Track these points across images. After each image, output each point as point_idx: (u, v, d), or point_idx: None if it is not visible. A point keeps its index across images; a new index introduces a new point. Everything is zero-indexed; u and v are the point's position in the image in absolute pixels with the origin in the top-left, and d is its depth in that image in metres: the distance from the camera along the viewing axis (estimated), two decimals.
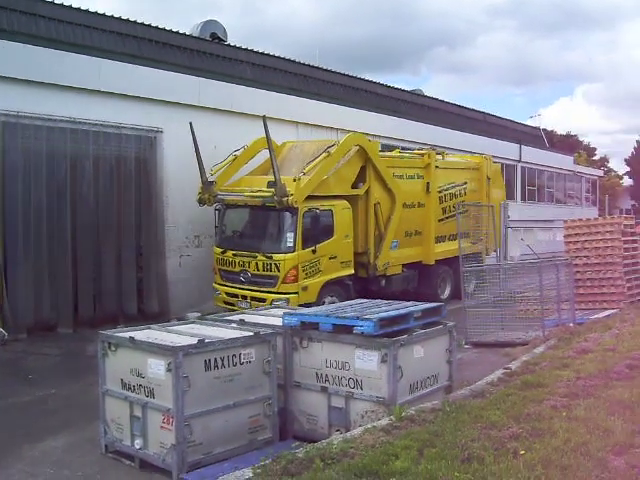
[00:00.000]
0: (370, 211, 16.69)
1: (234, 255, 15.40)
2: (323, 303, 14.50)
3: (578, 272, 16.45)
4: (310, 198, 15.00)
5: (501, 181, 23.37)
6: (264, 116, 14.54)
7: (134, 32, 19.71)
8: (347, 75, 28.51)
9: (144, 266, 16.99)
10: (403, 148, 22.30)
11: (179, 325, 9.40)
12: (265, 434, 8.18)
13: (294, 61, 25.81)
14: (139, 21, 20.02)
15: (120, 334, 8.30)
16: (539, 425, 6.74)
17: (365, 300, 9.80)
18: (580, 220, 18.02)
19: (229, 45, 23.70)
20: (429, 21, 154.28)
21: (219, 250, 15.87)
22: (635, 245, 17.60)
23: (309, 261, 14.87)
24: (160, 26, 20.63)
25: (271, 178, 14.79)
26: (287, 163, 16.39)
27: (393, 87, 31.44)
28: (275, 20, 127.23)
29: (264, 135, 14.84)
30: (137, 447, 7.72)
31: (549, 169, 37.54)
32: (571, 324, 14.02)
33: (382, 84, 30.65)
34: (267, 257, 14.75)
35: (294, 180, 14.57)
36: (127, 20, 19.72)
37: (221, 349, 7.68)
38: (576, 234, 17.18)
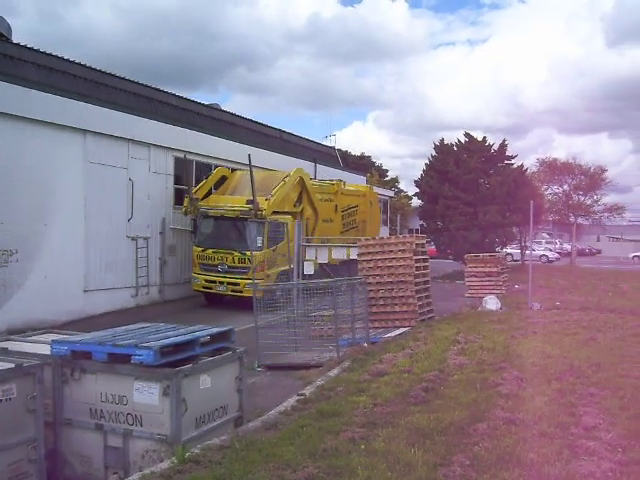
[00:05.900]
0: (303, 224, 21.89)
1: (213, 252, 21.04)
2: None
3: (371, 290, 16.38)
4: (272, 213, 20.92)
5: (378, 205, 33.09)
6: (249, 155, 19.66)
7: None
8: (141, 84, 27.27)
9: None
10: (201, 163, 24.34)
11: None
12: None
13: (84, 65, 24.16)
14: None
15: None
16: (336, 462, 6.13)
17: (147, 324, 8.82)
18: (374, 239, 18.07)
19: (13, 43, 21.71)
20: (231, 42, 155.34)
21: (199, 249, 21.40)
22: (426, 264, 17.88)
23: (271, 257, 21.02)
24: None
25: (236, 198, 21.35)
26: (241, 186, 22.20)
27: (189, 99, 30.56)
28: (74, 29, 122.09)
29: (220, 167, 23.78)
30: None
31: None
32: (365, 344, 13.83)
33: (178, 96, 29.68)
34: (242, 253, 20.59)
35: (266, 200, 20.68)
36: None
37: None
38: (370, 253, 17.15)
